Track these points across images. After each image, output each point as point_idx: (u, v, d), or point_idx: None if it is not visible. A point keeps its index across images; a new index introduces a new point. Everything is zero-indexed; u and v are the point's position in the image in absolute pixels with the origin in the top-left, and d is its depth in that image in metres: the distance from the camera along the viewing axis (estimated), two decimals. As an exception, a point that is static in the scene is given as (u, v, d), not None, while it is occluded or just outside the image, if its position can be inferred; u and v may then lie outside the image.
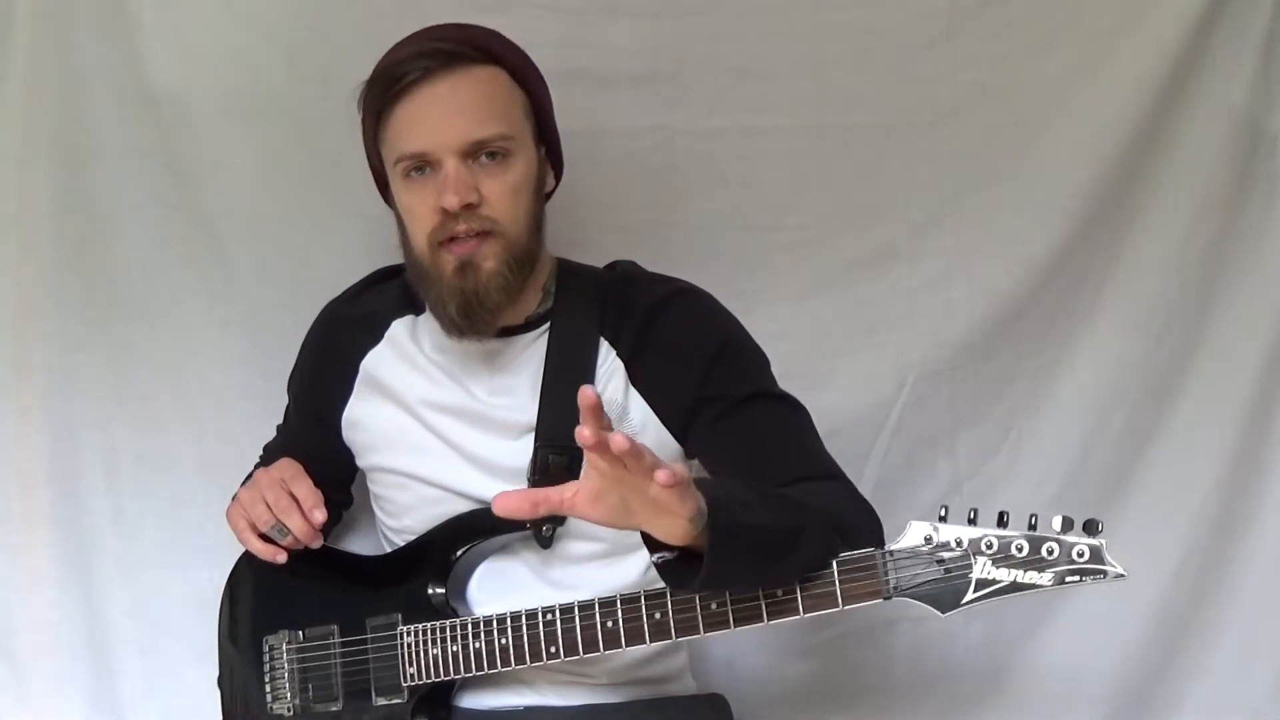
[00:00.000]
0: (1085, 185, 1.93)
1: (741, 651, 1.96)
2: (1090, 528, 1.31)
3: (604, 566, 1.59)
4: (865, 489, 1.59)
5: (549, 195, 1.63)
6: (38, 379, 1.92)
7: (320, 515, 1.55)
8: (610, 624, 1.45)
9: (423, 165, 1.52)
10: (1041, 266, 1.95)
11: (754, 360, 1.61)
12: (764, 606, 1.39)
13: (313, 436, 1.72)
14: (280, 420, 1.83)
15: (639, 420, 1.58)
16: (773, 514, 1.37)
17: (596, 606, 1.46)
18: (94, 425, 1.94)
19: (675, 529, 1.27)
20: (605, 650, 1.46)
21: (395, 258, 1.79)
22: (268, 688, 1.64)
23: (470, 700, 1.60)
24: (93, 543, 1.93)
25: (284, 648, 1.63)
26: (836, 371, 1.93)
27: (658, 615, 1.43)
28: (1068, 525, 1.32)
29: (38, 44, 1.89)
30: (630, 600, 1.46)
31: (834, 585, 1.38)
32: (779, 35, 1.92)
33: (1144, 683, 1.97)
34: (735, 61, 1.92)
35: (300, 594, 1.64)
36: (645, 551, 1.58)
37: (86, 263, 1.93)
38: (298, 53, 1.91)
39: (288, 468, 1.60)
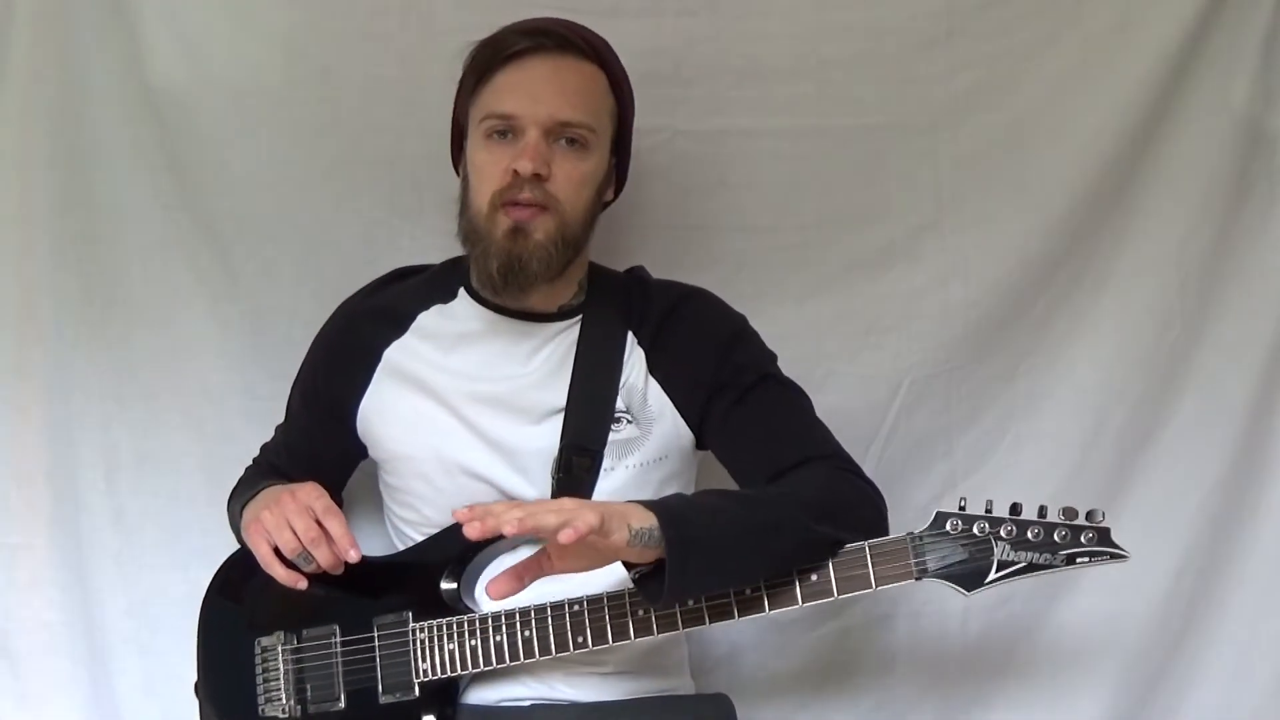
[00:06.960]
0: (1084, 185, 1.93)
1: (741, 649, 1.96)
2: (1091, 517, 1.46)
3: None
4: (863, 490, 1.61)
5: (605, 205, 1.69)
6: (38, 379, 1.92)
7: (356, 555, 1.56)
8: (642, 612, 1.49)
9: (506, 130, 1.58)
10: (1040, 267, 1.95)
11: (762, 350, 1.68)
12: (799, 590, 1.47)
13: (319, 436, 1.73)
14: (279, 421, 1.82)
15: (656, 408, 1.63)
16: (742, 513, 1.47)
17: (627, 596, 1.49)
18: (94, 425, 1.93)
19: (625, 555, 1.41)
20: (636, 638, 1.50)
21: (397, 259, 1.82)
22: (260, 690, 1.62)
23: (475, 696, 1.60)
24: (92, 542, 1.93)
25: (279, 649, 1.62)
26: (835, 373, 1.92)
27: (690, 602, 1.48)
28: (1070, 515, 1.46)
29: (38, 44, 1.89)
30: None
31: (867, 567, 1.47)
32: (779, 36, 1.92)
33: (1144, 683, 1.96)
34: (735, 62, 1.92)
35: (296, 595, 1.62)
36: None
37: (86, 263, 1.93)
38: (298, 52, 1.91)
39: (316, 497, 1.58)
